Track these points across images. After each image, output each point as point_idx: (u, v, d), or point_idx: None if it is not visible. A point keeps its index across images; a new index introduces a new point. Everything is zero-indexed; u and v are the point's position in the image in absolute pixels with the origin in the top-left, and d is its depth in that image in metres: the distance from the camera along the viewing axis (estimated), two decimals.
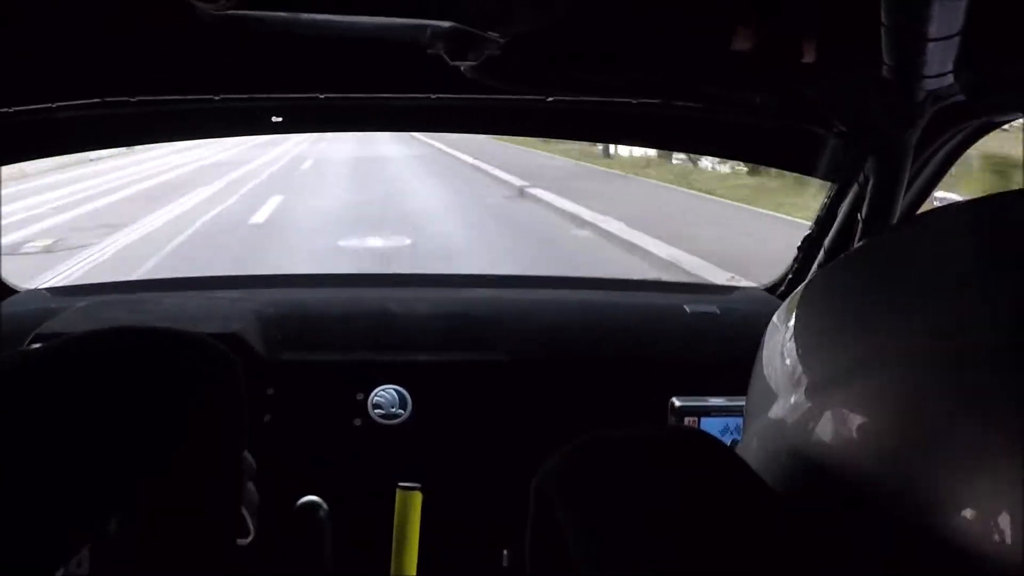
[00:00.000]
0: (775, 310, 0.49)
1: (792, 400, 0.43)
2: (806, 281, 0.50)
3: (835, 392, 0.39)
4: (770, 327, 0.50)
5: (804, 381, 0.42)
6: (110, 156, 16.81)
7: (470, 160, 15.84)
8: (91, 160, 15.74)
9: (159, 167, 15.98)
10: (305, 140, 22.83)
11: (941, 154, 1.46)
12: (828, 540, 0.39)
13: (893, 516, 0.35)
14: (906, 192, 1.42)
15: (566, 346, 1.58)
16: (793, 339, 0.46)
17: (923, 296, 0.38)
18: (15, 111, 1.34)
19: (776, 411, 0.44)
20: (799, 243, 1.73)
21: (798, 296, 0.49)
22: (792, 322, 0.47)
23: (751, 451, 0.48)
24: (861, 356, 0.38)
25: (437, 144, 19.58)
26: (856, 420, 0.37)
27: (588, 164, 15.42)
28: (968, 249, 0.40)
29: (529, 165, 14.13)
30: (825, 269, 0.50)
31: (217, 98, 1.41)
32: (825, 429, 0.39)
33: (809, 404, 0.41)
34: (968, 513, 0.32)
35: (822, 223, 1.63)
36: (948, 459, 0.33)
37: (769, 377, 0.47)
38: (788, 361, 0.45)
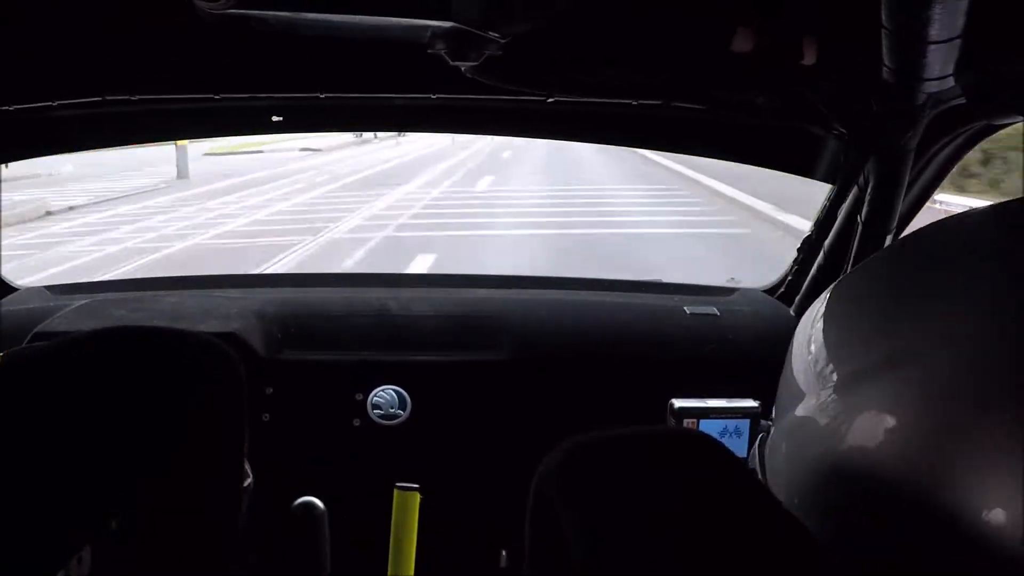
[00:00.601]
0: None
1: (820, 397, 0.43)
2: (835, 282, 0.50)
3: (864, 386, 0.39)
4: (800, 326, 0.50)
5: (833, 377, 0.43)
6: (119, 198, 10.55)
7: None
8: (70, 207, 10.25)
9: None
10: (455, 169, 14.06)
11: (941, 157, 1.46)
12: (839, 535, 0.39)
13: (920, 510, 0.35)
14: (906, 195, 1.42)
15: (565, 347, 1.58)
16: (822, 336, 0.46)
17: (956, 296, 0.39)
18: (15, 109, 1.34)
19: (804, 408, 0.45)
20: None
21: (827, 297, 0.49)
22: (820, 321, 0.47)
23: (780, 449, 0.48)
24: (891, 351, 0.39)
25: (725, 188, 9.51)
26: (885, 414, 0.38)
27: None
28: (1003, 251, 0.40)
29: None
30: (855, 270, 0.50)
31: (217, 97, 1.41)
32: (854, 424, 0.39)
33: (836, 399, 0.41)
34: (999, 511, 0.31)
35: (821, 225, 1.63)
36: (976, 454, 0.33)
37: (797, 375, 0.48)
38: (817, 359, 0.45)
